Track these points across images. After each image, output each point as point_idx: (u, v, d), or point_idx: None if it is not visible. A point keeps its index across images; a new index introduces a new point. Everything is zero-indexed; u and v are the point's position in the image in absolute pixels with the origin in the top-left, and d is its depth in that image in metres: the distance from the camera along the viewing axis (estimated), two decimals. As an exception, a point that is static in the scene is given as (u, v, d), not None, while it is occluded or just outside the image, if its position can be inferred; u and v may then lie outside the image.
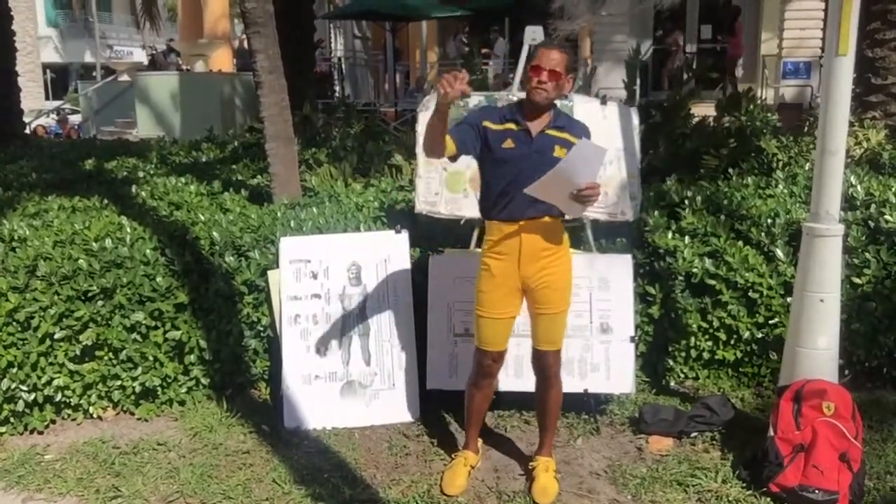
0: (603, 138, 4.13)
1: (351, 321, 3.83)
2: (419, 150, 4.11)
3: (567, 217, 3.08)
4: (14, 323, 3.66)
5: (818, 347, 3.28)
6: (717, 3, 14.90)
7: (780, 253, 4.00)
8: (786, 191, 4.67)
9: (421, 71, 20.10)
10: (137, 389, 3.86)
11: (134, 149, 7.63)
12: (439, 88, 2.64)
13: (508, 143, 2.94)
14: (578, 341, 3.72)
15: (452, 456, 3.37)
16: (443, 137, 2.86)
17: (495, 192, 2.98)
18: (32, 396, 3.72)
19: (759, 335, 3.95)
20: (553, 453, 3.32)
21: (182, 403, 3.96)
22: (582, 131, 3.00)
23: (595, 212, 4.13)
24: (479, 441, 3.47)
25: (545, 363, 3.14)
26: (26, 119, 11.33)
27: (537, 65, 2.89)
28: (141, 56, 28.95)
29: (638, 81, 6.98)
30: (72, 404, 3.83)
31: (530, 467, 3.26)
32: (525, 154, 2.92)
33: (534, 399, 3.28)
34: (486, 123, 2.98)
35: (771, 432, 3.19)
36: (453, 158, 3.00)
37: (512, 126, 2.97)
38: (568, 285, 3.10)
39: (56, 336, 3.69)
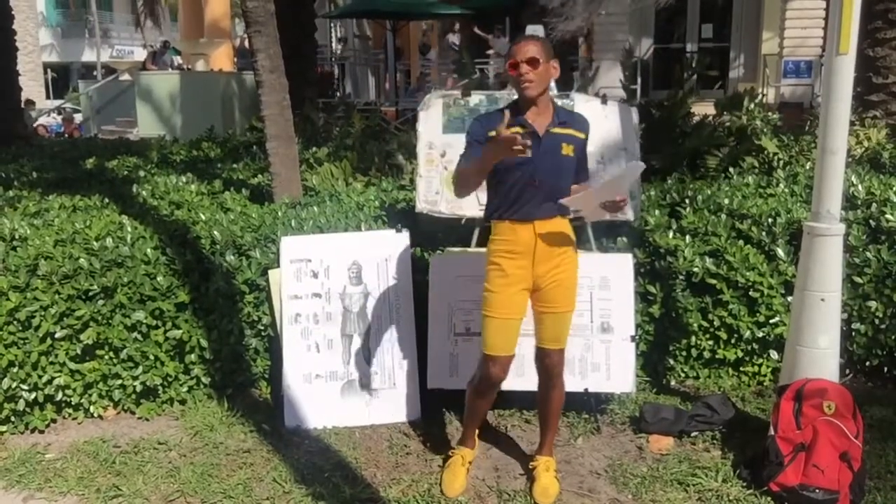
0: (603, 137, 4.15)
1: (351, 320, 3.83)
2: (420, 148, 4.11)
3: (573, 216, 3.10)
4: (15, 322, 3.66)
5: (819, 346, 3.28)
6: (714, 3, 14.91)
7: (780, 252, 4.00)
8: (786, 190, 4.67)
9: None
10: (138, 388, 3.86)
11: (135, 148, 7.63)
12: (505, 149, 2.67)
13: None
14: (579, 340, 3.71)
15: (449, 453, 3.35)
16: (483, 178, 2.92)
17: (510, 194, 2.97)
18: (33, 395, 3.72)
19: (760, 334, 3.95)
20: (553, 453, 3.32)
21: (183, 402, 3.97)
22: (583, 125, 3.04)
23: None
24: (476, 439, 3.46)
25: (551, 362, 3.13)
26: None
27: (513, 61, 2.89)
28: (142, 55, 28.99)
29: (639, 81, 6.98)
30: (72, 403, 3.83)
31: (531, 467, 3.26)
32: (536, 156, 2.92)
33: (535, 398, 3.28)
34: (492, 133, 2.94)
35: (771, 431, 3.19)
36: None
37: (519, 130, 2.95)
38: (576, 284, 3.12)
39: (57, 335, 3.69)
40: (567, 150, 2.94)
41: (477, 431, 3.43)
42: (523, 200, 2.95)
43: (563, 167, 2.95)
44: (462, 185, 2.95)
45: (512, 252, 3.00)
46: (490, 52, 16.02)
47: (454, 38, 18.18)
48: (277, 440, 3.62)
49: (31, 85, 25.25)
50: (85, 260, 3.80)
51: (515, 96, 3.04)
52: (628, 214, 4.17)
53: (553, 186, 2.94)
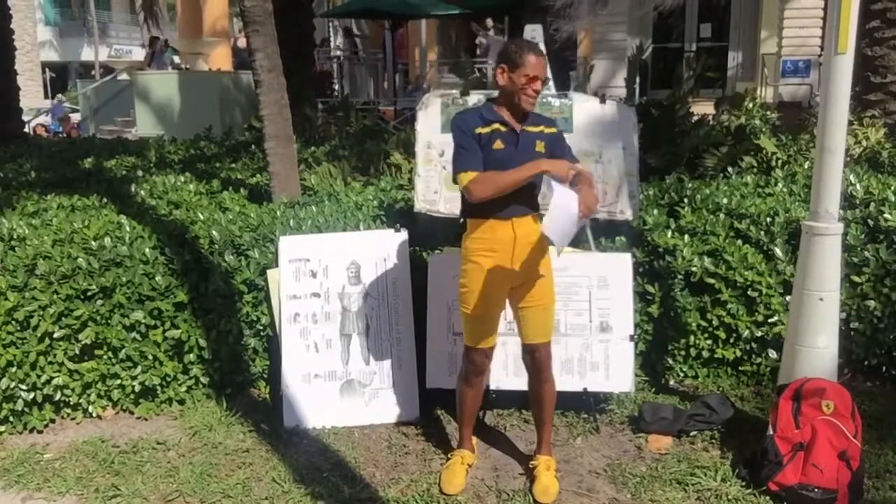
0: (602, 137, 4.15)
1: (350, 320, 3.83)
2: (418, 148, 4.11)
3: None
4: (13, 322, 3.66)
5: (817, 346, 3.28)
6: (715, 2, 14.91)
7: (779, 251, 4.00)
8: (785, 189, 4.67)
9: (420, 69, 20.07)
10: (137, 388, 3.86)
11: (133, 147, 7.62)
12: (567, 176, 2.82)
13: (498, 144, 2.98)
14: (578, 340, 3.72)
15: (449, 455, 3.36)
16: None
17: None
18: (32, 395, 3.72)
19: (759, 334, 3.95)
20: (553, 452, 3.32)
21: (181, 402, 3.96)
22: (549, 120, 3.12)
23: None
24: (474, 439, 3.46)
25: (541, 356, 3.15)
26: (25, 118, 11.33)
27: (535, 75, 2.91)
28: (140, 55, 29.03)
29: (637, 80, 6.99)
30: (71, 403, 3.83)
31: (531, 466, 3.26)
32: (513, 153, 2.97)
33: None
34: (477, 130, 3.00)
35: (770, 431, 3.19)
36: None
37: (498, 127, 3.00)
38: (553, 277, 3.18)
39: (55, 335, 3.69)
40: (540, 146, 3.00)
41: (474, 439, 3.44)
42: (502, 199, 2.96)
43: None
44: (496, 191, 2.91)
45: (491, 250, 3.04)
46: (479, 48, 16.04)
47: (484, 40, 17.48)
48: (276, 440, 3.62)
49: (30, 84, 25.23)
50: (83, 259, 3.80)
51: None
52: (627, 214, 4.17)
53: (528, 184, 2.96)
